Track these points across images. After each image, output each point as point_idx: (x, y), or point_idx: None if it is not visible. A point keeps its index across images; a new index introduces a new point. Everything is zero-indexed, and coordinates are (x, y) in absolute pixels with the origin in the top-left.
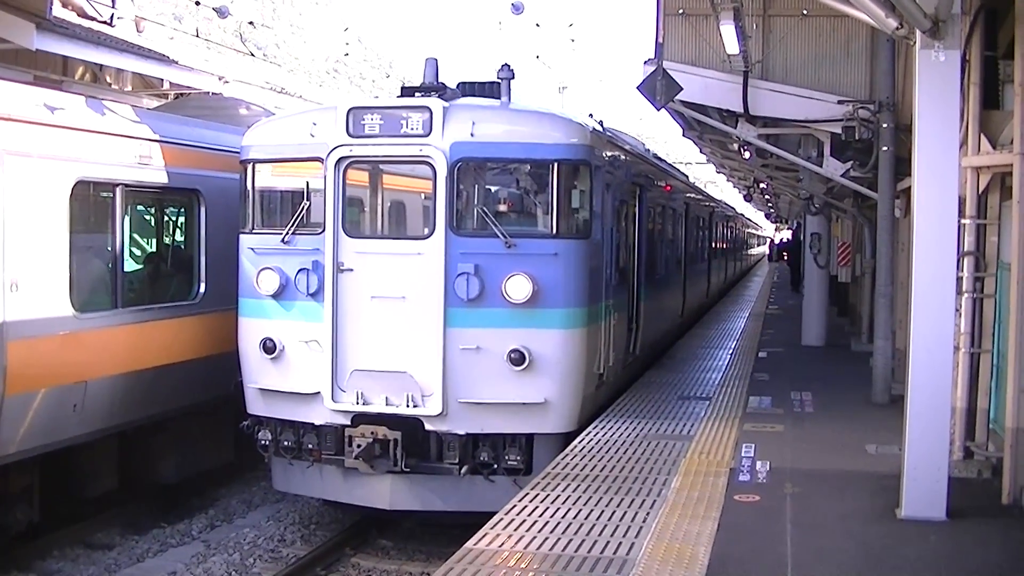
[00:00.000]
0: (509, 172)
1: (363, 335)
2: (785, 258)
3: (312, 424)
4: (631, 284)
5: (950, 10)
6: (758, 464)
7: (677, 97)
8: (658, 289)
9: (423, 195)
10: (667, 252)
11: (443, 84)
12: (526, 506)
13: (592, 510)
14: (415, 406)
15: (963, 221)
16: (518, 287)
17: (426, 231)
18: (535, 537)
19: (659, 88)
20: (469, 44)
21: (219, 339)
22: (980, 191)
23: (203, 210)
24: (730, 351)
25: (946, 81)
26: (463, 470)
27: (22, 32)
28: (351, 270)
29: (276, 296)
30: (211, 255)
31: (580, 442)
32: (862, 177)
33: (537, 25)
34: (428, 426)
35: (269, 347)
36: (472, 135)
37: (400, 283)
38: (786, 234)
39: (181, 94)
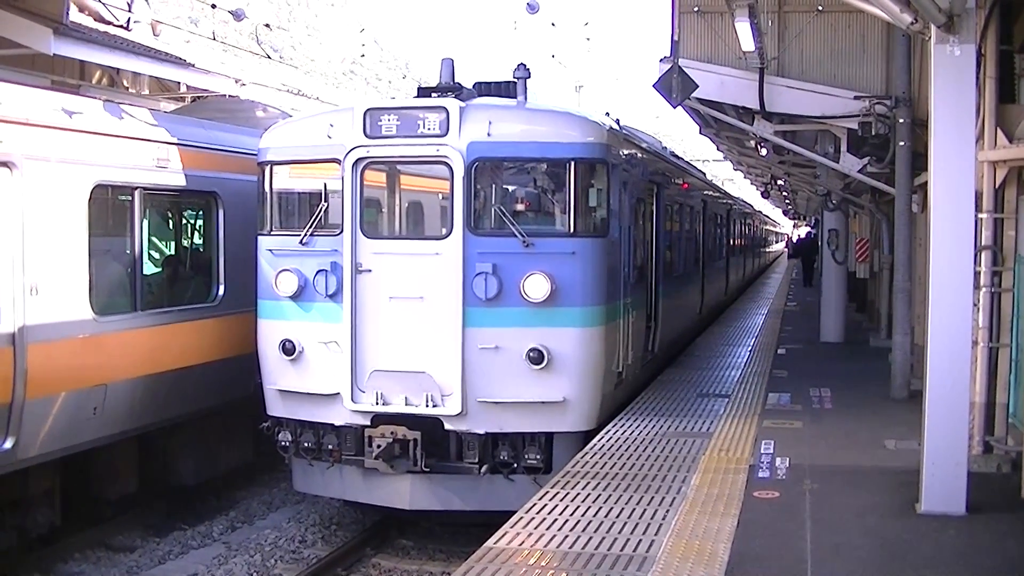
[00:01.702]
0: (526, 171)
1: (382, 335)
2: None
3: (332, 425)
4: (649, 282)
5: (965, 4)
6: (777, 461)
7: (693, 95)
8: (676, 287)
9: (440, 195)
10: (685, 250)
11: (459, 84)
12: (546, 505)
13: (612, 508)
14: (434, 406)
15: (980, 215)
16: (536, 286)
17: (444, 231)
18: (555, 535)
19: (675, 86)
20: (485, 44)
21: (238, 341)
22: (997, 185)
23: (221, 212)
24: (749, 348)
25: (961, 75)
26: (483, 469)
27: (39, 37)
28: (369, 271)
29: (295, 297)
30: (229, 257)
31: (599, 440)
32: (879, 173)
33: (553, 24)
34: (447, 426)
35: (288, 348)
36: (489, 135)
37: (418, 283)
38: (803, 231)
39: (198, 97)
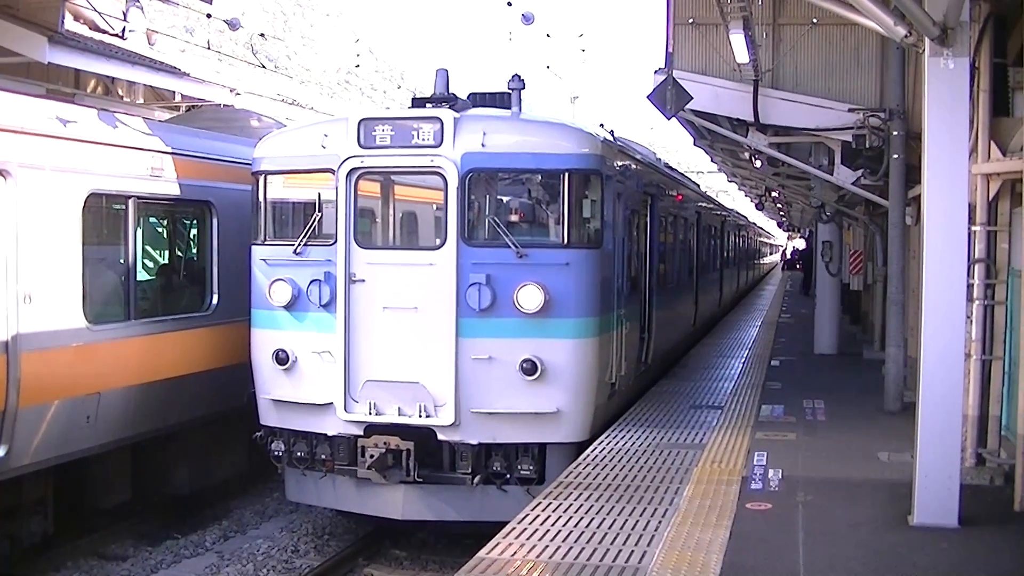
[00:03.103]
0: (520, 182)
1: (375, 346)
2: (798, 267)
3: (325, 435)
4: (643, 293)
5: (959, 18)
6: (770, 472)
7: (687, 106)
8: (670, 298)
9: (434, 206)
10: (679, 261)
11: (454, 95)
12: (538, 515)
13: (604, 519)
14: (428, 416)
15: (973, 228)
16: (530, 297)
17: (437, 241)
18: (547, 546)
19: (669, 97)
20: (480, 55)
21: (232, 350)
22: (990, 198)
23: (215, 222)
24: (742, 360)
25: (955, 88)
26: (476, 480)
27: (34, 45)
28: (363, 281)
29: (288, 307)
30: (223, 267)
31: (592, 451)
32: (873, 185)
33: (548, 36)
34: (441, 436)
35: (282, 358)
36: (483, 145)
37: (412, 294)
38: (799, 243)
39: (193, 106)
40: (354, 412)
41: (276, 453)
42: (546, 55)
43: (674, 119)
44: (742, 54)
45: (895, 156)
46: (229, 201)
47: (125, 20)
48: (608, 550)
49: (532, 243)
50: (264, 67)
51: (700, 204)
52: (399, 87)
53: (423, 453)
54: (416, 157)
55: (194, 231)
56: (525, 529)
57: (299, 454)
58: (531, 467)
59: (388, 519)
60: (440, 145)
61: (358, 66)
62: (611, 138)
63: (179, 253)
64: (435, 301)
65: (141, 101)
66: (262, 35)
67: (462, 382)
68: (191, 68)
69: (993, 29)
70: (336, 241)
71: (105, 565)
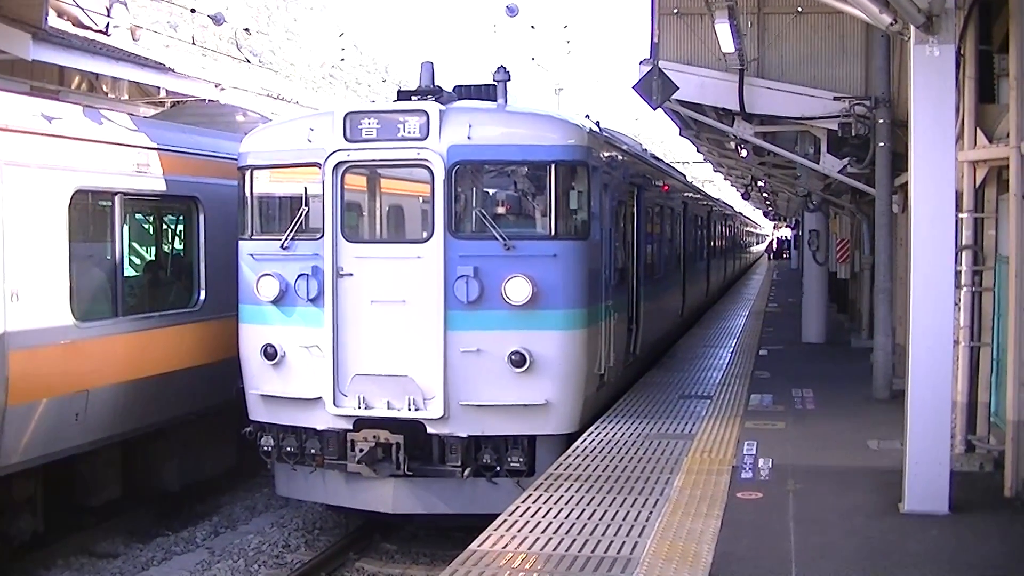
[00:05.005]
0: (507, 174)
1: (364, 339)
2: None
3: (314, 429)
4: (630, 284)
5: (944, 4)
6: (760, 461)
7: (673, 96)
8: (657, 289)
9: (421, 199)
10: (666, 252)
11: (439, 88)
12: (529, 507)
13: (595, 510)
14: (417, 409)
15: (960, 215)
16: (517, 289)
17: (425, 234)
18: (539, 538)
19: (655, 88)
20: (465, 47)
21: (220, 346)
22: (977, 185)
23: (202, 217)
24: (731, 350)
25: (941, 76)
26: (466, 473)
27: (18, 42)
28: (351, 275)
29: (276, 302)
30: (210, 262)
31: (582, 443)
32: (859, 173)
33: (532, 27)
34: (430, 429)
35: (270, 353)
36: (469, 138)
37: (400, 287)
38: (786, 231)
39: (178, 102)
40: (343, 406)
41: (265, 448)
42: (531, 47)
43: (660, 109)
44: (727, 44)
45: (881, 144)
46: (216, 197)
47: (109, 16)
48: (600, 541)
49: (519, 235)
50: (249, 62)
51: (686, 194)
52: (384, 80)
53: (413, 446)
54: (402, 150)
55: (181, 227)
56: (516, 521)
57: (288, 449)
58: (521, 459)
59: (378, 513)
60: (426, 138)
61: (343, 60)
62: (597, 129)
63: (166, 249)
64: (423, 294)
65: (126, 97)
66: (246, 30)
67: (451, 375)
68: (176, 64)
69: (978, 16)
70: (323, 235)
71: (96, 563)
